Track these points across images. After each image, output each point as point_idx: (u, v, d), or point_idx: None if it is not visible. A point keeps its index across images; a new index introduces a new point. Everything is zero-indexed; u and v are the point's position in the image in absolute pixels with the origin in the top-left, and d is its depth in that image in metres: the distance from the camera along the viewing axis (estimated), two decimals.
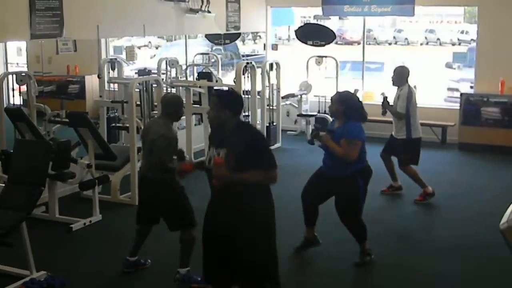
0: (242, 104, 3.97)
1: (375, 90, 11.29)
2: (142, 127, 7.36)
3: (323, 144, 5.31)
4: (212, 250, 3.96)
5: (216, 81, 10.59)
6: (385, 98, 7.38)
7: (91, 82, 13.03)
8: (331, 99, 5.44)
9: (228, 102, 3.86)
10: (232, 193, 3.78)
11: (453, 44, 23.35)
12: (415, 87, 7.38)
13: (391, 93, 7.45)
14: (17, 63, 14.33)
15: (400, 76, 7.22)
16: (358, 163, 5.20)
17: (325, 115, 10.73)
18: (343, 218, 5.38)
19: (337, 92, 5.60)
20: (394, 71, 7.30)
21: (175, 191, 4.89)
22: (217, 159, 3.76)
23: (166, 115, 5.02)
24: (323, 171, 5.45)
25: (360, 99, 5.61)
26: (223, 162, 3.72)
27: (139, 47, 11.80)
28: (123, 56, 10.28)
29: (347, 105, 5.26)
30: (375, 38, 23.82)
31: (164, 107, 5.06)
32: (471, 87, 10.99)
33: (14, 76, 9.04)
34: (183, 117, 6.58)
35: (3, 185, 5.62)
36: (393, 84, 7.26)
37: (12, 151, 5.84)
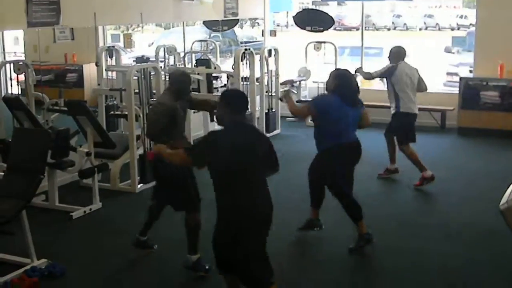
0: (243, 103, 3.95)
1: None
2: (141, 115, 7.36)
3: (284, 98, 5.61)
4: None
5: (215, 68, 10.56)
6: (359, 68, 7.82)
7: (89, 70, 13.01)
8: (329, 73, 5.50)
9: (228, 99, 3.92)
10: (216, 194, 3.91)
11: (452, 29, 23.29)
12: (417, 70, 7.39)
13: None
14: (15, 53, 14.30)
15: (395, 55, 7.37)
16: (334, 139, 5.27)
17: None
18: (332, 193, 5.47)
19: (337, 68, 5.62)
20: (390, 50, 7.45)
21: (172, 169, 4.71)
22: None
23: (170, 90, 5.01)
24: None
25: (358, 83, 5.63)
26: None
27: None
28: (121, 44, 10.26)
29: (340, 81, 5.31)
30: (373, 24, 23.75)
31: (169, 83, 5.08)
32: (470, 71, 10.97)
33: (12, 65, 9.00)
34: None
35: (2, 173, 5.63)
36: (390, 62, 7.39)
37: (10, 140, 5.84)
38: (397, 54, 7.37)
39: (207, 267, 4.79)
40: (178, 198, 4.91)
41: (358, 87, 5.43)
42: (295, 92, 5.60)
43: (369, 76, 7.65)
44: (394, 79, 7.23)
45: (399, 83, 7.22)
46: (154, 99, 7.54)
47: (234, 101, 3.92)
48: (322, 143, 5.37)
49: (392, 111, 7.39)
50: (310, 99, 5.56)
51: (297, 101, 11.36)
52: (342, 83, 5.29)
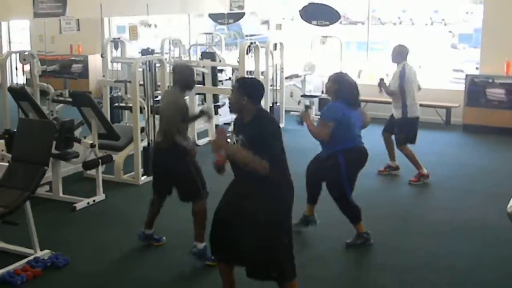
0: (261, 92, 3.93)
1: (377, 71, 11.23)
2: (145, 107, 7.36)
3: (303, 121, 5.48)
4: (219, 232, 3.98)
5: (220, 61, 10.54)
6: (381, 80, 7.39)
7: (94, 61, 13.04)
8: (328, 77, 5.50)
9: (247, 88, 3.86)
10: (246, 185, 3.82)
11: (458, 25, 23.16)
12: (420, 67, 7.34)
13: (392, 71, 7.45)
14: (20, 42, 14.32)
15: (398, 53, 7.28)
16: (341, 143, 5.24)
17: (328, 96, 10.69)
18: (331, 196, 5.45)
19: (336, 72, 5.60)
20: (393, 49, 7.37)
21: (184, 161, 4.89)
22: (219, 129, 3.83)
23: (176, 84, 5.05)
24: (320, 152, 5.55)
25: (358, 82, 5.60)
26: (225, 131, 3.81)
27: None
28: (126, 35, 10.23)
29: (340, 85, 5.32)
30: (379, 18, 23.64)
31: (174, 77, 5.10)
32: (477, 68, 10.93)
33: (18, 55, 9.00)
34: (186, 97, 6.56)
35: (7, 164, 5.64)
36: (392, 61, 7.34)
37: (15, 130, 5.84)
38: (401, 53, 7.27)
39: (213, 257, 4.79)
40: (184, 188, 4.96)
41: (358, 89, 5.42)
42: (312, 108, 5.41)
43: (392, 93, 7.25)
44: (404, 83, 7.10)
45: (409, 87, 7.13)
46: (159, 92, 7.55)
47: (251, 90, 3.88)
48: (330, 148, 5.30)
49: (398, 115, 7.25)
50: (319, 114, 5.47)
51: (301, 96, 11.41)
52: (343, 88, 5.30)
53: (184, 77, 5.03)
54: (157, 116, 7.40)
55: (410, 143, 7.32)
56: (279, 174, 3.77)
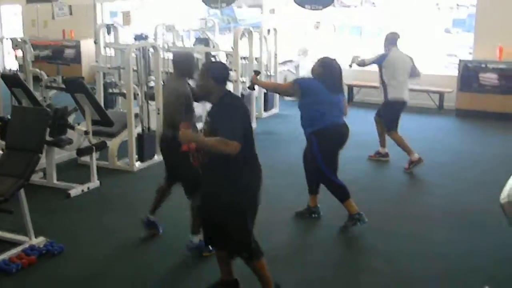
0: (226, 74, 4.02)
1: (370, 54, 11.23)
2: (139, 93, 7.35)
3: (253, 83, 5.67)
4: (205, 218, 4.12)
5: (213, 46, 10.52)
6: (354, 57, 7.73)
7: (87, 46, 12.98)
8: (317, 59, 5.57)
9: (213, 71, 3.93)
10: (211, 167, 3.88)
11: (452, 9, 23.10)
12: (411, 59, 7.37)
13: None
14: (13, 28, 14.23)
15: (388, 41, 7.42)
16: (313, 125, 5.35)
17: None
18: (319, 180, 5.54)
19: (325, 56, 5.63)
20: (385, 37, 7.48)
21: (178, 153, 4.81)
22: (182, 124, 3.86)
23: (178, 72, 5.04)
24: None
25: (353, 68, 5.68)
26: (188, 126, 3.84)
27: None
28: (119, 20, 10.20)
29: (324, 70, 5.40)
30: (373, 3, 23.56)
31: (175, 65, 5.08)
32: (470, 53, 10.96)
33: (10, 41, 8.94)
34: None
35: (1, 152, 5.63)
36: (384, 48, 7.43)
37: (9, 117, 5.83)
38: (390, 39, 7.40)
39: (211, 248, 4.80)
40: (184, 180, 4.95)
41: (341, 76, 5.48)
42: (258, 71, 5.70)
43: (362, 63, 7.63)
44: (386, 65, 7.26)
45: (390, 69, 7.24)
46: (153, 78, 7.54)
47: (221, 72, 3.97)
48: (307, 128, 5.44)
49: (382, 98, 7.41)
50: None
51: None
52: (326, 72, 5.38)
53: (184, 66, 5.01)
54: (151, 102, 7.41)
55: (391, 129, 7.38)
56: (244, 153, 3.79)
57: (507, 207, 3.95)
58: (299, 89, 5.39)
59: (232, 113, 3.82)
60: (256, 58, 9.90)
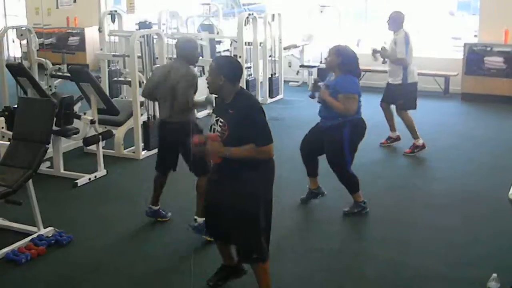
0: (239, 72, 3.86)
1: (375, 40, 11.17)
2: (144, 81, 7.35)
3: (321, 99, 5.39)
4: (212, 213, 4.02)
5: (218, 33, 10.49)
6: (374, 49, 7.38)
7: (91, 34, 12.96)
8: (329, 51, 5.45)
9: (224, 68, 3.77)
10: (228, 166, 3.76)
11: None
12: (418, 32, 7.31)
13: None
14: (16, 15, 14.20)
15: (395, 21, 7.24)
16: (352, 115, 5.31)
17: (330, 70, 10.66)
18: (331, 167, 5.48)
19: (335, 45, 5.57)
20: (389, 16, 7.29)
21: (183, 135, 4.77)
22: (210, 135, 3.74)
23: (181, 58, 5.05)
24: (319, 122, 5.54)
25: (358, 52, 5.60)
26: (217, 137, 3.71)
27: None
28: (123, 7, 10.17)
29: (343, 58, 5.30)
30: None
31: (179, 51, 5.09)
32: (475, 36, 10.89)
33: (15, 30, 8.94)
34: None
35: (7, 142, 5.65)
36: (389, 29, 7.28)
37: (15, 106, 5.84)
38: (398, 19, 7.22)
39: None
40: (195, 162, 4.94)
41: (358, 61, 5.43)
42: (319, 80, 5.42)
43: (391, 56, 7.21)
44: (411, 46, 7.13)
45: (409, 52, 7.12)
46: (158, 65, 7.52)
47: (228, 69, 3.79)
48: (335, 118, 5.30)
49: (397, 82, 7.22)
50: (335, 87, 5.35)
51: (300, 66, 11.38)
52: (347, 60, 5.30)
53: (187, 52, 5.03)
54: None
55: (410, 108, 7.32)
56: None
57: None
58: (358, 97, 5.32)
59: (256, 117, 3.71)
60: (260, 43, 9.87)
